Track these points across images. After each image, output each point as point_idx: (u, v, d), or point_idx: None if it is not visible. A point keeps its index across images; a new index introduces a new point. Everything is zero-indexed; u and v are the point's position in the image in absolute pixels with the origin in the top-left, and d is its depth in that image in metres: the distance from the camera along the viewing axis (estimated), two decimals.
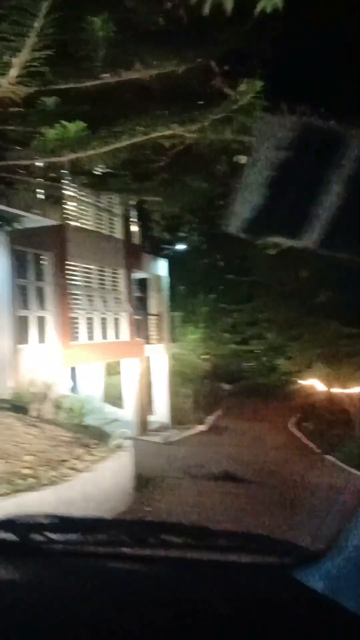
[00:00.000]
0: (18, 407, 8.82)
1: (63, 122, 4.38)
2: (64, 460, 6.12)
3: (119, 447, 7.27)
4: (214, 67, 6.80)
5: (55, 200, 9.80)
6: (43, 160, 4.93)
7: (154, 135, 4.89)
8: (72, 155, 4.80)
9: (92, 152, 4.80)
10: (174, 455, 13.17)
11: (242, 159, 7.61)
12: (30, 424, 7.61)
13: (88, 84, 5.08)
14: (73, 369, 15.21)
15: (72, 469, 5.92)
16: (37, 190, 7.36)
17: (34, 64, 4.11)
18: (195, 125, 4.92)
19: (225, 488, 8.97)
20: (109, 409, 16.77)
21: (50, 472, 5.58)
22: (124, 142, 4.78)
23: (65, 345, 12.76)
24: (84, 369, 16.32)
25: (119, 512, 6.34)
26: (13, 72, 4.12)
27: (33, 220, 10.60)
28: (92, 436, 7.76)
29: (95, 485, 5.88)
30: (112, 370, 19.03)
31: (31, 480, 5.29)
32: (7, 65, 4.04)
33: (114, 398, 17.70)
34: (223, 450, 14.44)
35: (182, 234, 20.53)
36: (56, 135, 4.46)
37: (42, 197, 9.54)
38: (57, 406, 9.41)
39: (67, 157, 4.80)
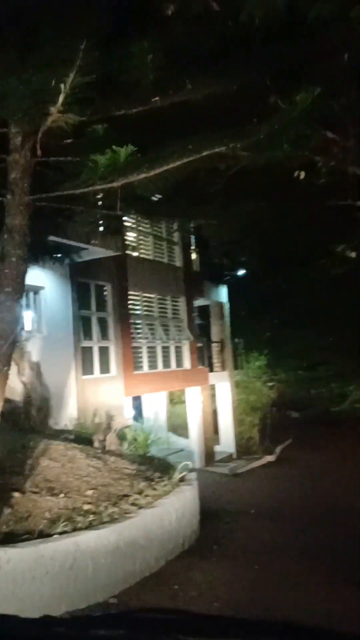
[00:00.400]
0: (82, 438, 8.77)
1: (114, 147, 4.33)
2: (125, 495, 5.88)
3: (183, 480, 6.95)
4: (269, 83, 6.62)
5: (114, 231, 9.88)
6: (95, 188, 4.89)
7: (205, 153, 4.72)
8: (124, 180, 4.73)
9: (143, 175, 4.71)
10: (242, 488, 12.60)
11: (302, 174, 7.32)
12: (93, 456, 7.48)
13: (139, 109, 5.05)
14: (136, 399, 15.14)
15: (134, 504, 5.66)
16: (96, 221, 7.45)
17: (82, 89, 4.09)
18: (249, 140, 4.70)
19: (300, 525, 8.32)
20: (174, 439, 16.50)
21: (111, 508, 5.35)
22: (176, 163, 4.65)
23: (128, 375, 12.72)
24: (148, 398, 16.22)
25: (183, 551, 5.99)
26: (61, 99, 4.12)
27: (93, 252, 10.77)
28: (156, 468, 7.49)
29: (158, 523, 5.58)
30: (177, 399, 18.84)
31: (91, 517, 5.08)
32: (56, 92, 4.05)
33: (178, 427, 17.43)
34: (295, 484, 13.64)
35: (242, 259, 20.27)
36: (107, 161, 4.41)
37: (101, 228, 9.68)
38: (121, 437, 9.27)
39: (118, 182, 4.75)
